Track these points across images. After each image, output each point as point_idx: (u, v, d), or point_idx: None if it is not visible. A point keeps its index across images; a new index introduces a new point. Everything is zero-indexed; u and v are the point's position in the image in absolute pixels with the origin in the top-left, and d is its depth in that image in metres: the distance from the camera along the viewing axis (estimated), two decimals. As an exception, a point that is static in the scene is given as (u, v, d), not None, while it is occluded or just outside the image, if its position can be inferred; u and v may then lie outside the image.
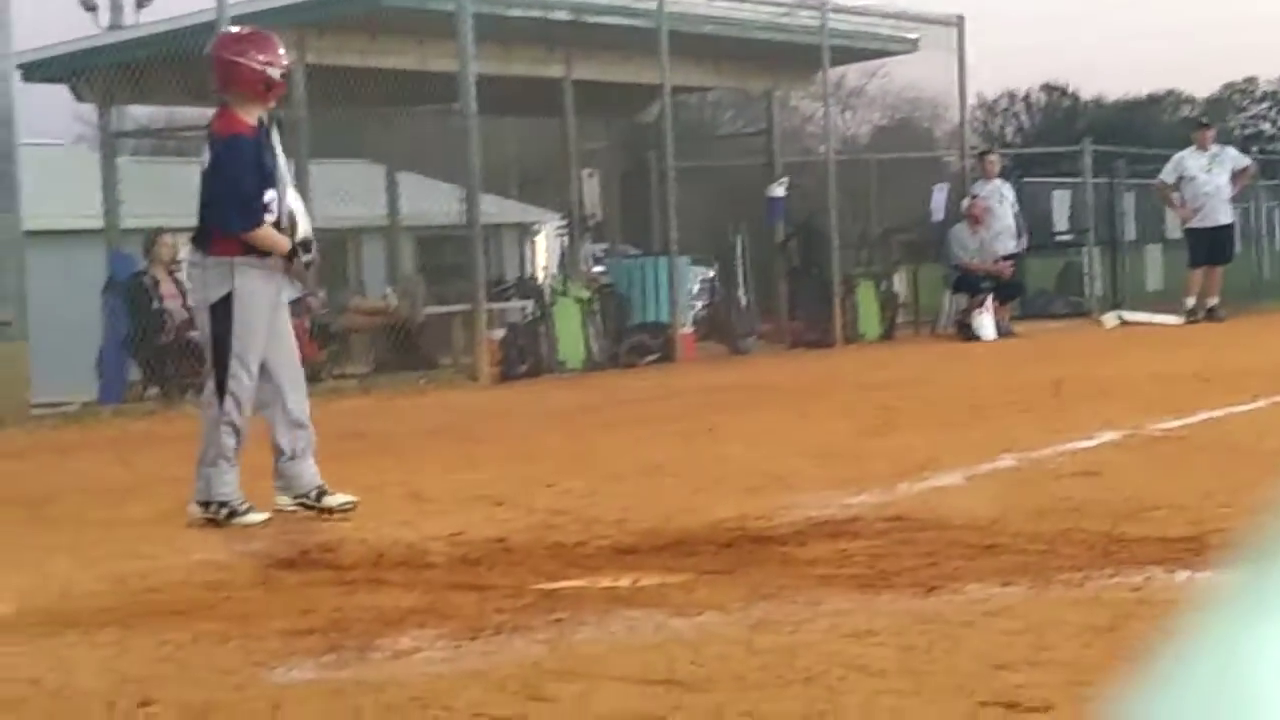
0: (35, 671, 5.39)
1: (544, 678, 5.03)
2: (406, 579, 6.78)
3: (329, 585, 6.73)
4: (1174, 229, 26.15)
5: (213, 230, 8.65)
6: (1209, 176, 23.55)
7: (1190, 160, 23.77)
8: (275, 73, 8.71)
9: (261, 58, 8.66)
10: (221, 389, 8.55)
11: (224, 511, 8.49)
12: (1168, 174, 23.92)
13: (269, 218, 8.64)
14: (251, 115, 8.70)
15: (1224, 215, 23.82)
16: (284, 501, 8.79)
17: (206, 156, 8.79)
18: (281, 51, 8.84)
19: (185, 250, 17.26)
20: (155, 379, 16.45)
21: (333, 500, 8.71)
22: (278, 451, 8.77)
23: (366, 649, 5.53)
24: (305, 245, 8.82)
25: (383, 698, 4.90)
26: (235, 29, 9.46)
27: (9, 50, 14.97)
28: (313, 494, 8.73)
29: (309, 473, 8.77)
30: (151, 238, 17.17)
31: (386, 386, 17.06)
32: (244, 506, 8.54)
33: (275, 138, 8.81)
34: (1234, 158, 24.33)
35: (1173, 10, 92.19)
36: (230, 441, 8.55)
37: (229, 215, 8.61)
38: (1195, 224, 23.63)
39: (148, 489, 10.00)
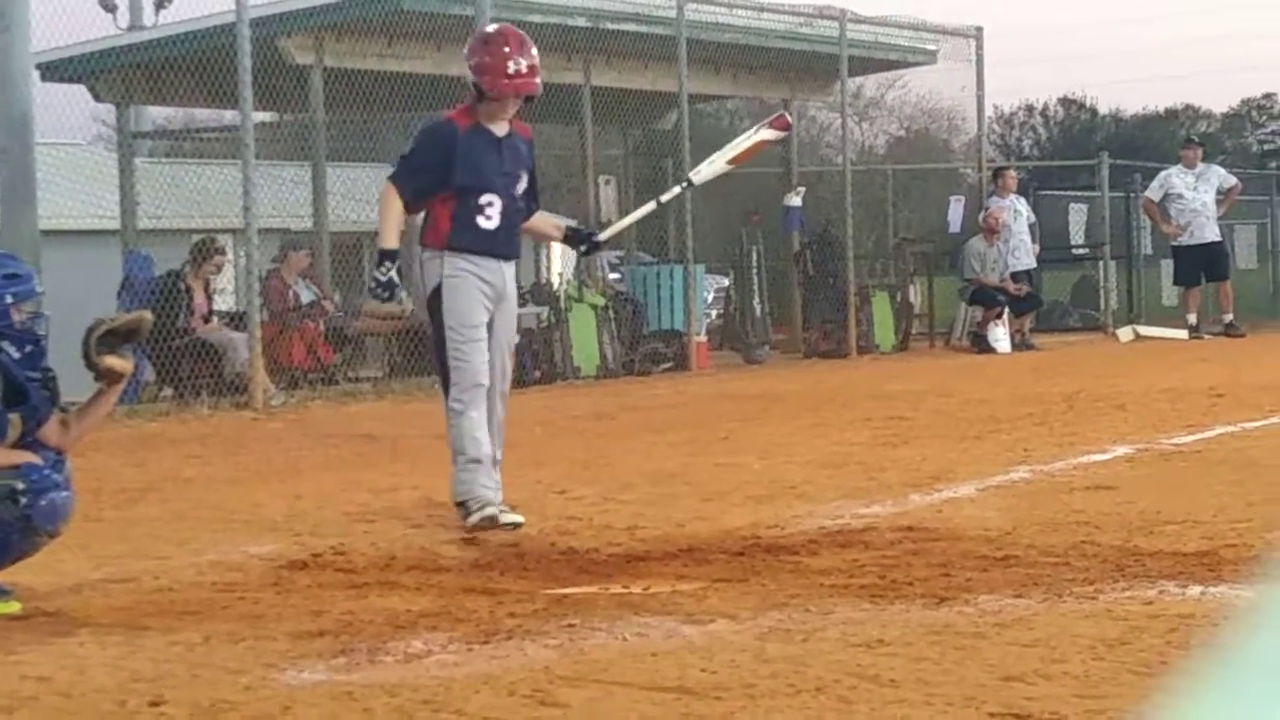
0: (46, 670, 5.39)
1: (555, 683, 5.03)
2: (418, 582, 6.78)
3: (340, 588, 6.73)
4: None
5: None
6: (1195, 194, 23.67)
7: (1177, 178, 23.90)
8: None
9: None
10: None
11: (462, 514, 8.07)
12: (1153, 191, 24.08)
13: None
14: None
15: (1211, 232, 23.93)
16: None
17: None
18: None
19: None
20: (169, 380, 16.46)
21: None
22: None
23: (377, 651, 5.53)
24: None
25: (393, 700, 4.90)
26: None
27: (28, 50, 14.98)
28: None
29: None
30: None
31: (400, 390, 17.07)
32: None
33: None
34: (1221, 176, 24.41)
35: (1191, 26, 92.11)
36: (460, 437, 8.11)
37: None
38: (1184, 241, 23.76)
39: (160, 489, 10.02)
